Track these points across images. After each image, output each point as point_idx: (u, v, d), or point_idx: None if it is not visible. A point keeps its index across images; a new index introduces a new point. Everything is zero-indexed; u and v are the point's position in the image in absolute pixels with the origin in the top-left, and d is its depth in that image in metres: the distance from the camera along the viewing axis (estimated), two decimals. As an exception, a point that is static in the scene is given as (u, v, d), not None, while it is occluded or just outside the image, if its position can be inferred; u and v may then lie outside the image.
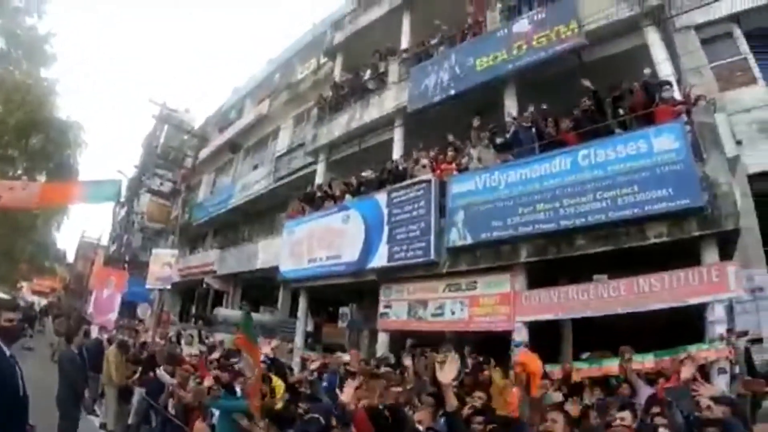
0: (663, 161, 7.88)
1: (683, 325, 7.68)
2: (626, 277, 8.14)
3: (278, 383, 6.41)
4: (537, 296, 9.09)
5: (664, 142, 7.96)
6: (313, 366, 8.41)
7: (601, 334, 8.37)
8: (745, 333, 7.75)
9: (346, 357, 9.50)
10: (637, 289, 8.00)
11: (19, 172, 23.83)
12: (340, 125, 15.36)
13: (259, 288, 18.52)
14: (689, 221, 7.72)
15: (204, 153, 26.83)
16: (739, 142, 9.52)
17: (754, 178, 9.83)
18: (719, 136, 8.19)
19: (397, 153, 13.14)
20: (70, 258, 49.20)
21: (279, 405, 5.60)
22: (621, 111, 9.08)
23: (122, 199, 30.44)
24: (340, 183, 13.77)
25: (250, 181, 21.72)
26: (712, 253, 7.75)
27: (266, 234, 20.13)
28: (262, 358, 7.37)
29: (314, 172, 16.44)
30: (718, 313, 7.40)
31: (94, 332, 13.70)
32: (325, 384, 8.03)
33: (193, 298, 25.91)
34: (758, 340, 7.61)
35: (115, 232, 36.80)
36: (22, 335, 17.60)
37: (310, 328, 14.29)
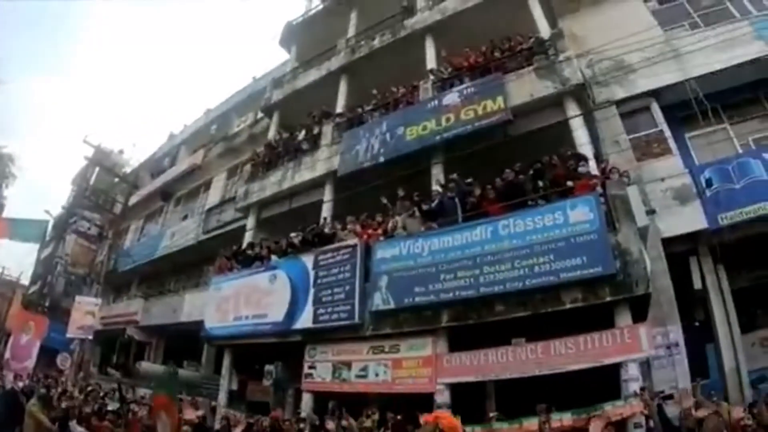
0: (578, 231, 8.45)
1: (601, 383, 8.00)
2: (543, 341, 8.51)
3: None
4: (458, 359, 9.29)
5: (579, 213, 8.56)
6: (238, 429, 8.27)
7: (523, 393, 8.59)
8: (659, 393, 8.23)
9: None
10: (554, 352, 8.37)
11: None
12: (271, 184, 15.41)
13: (184, 341, 17.97)
14: (602, 287, 8.21)
15: (135, 198, 26.14)
16: (652, 211, 10.22)
17: (668, 242, 10.57)
18: (631, 207, 8.73)
19: (326, 214, 13.27)
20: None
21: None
22: (540, 183, 9.62)
23: (47, 239, 29.19)
24: (270, 242, 13.76)
25: (180, 231, 21.28)
26: (625, 316, 8.22)
27: (193, 287, 19.73)
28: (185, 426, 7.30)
29: (243, 227, 16.28)
30: (631, 371, 7.83)
31: (8, 379, 12.93)
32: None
33: (114, 348, 24.79)
34: (669, 397, 8.05)
35: (36, 273, 34.85)
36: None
37: (234, 386, 13.95)
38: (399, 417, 8.57)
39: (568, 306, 8.35)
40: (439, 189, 10.90)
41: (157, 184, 25.71)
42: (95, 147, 25.91)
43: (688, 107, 11.22)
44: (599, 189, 8.87)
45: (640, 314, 8.40)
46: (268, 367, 13.21)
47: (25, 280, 34.93)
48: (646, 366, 9.69)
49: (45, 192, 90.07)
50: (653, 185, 10.80)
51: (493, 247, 9.10)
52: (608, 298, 8.17)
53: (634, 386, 7.59)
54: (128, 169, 31.78)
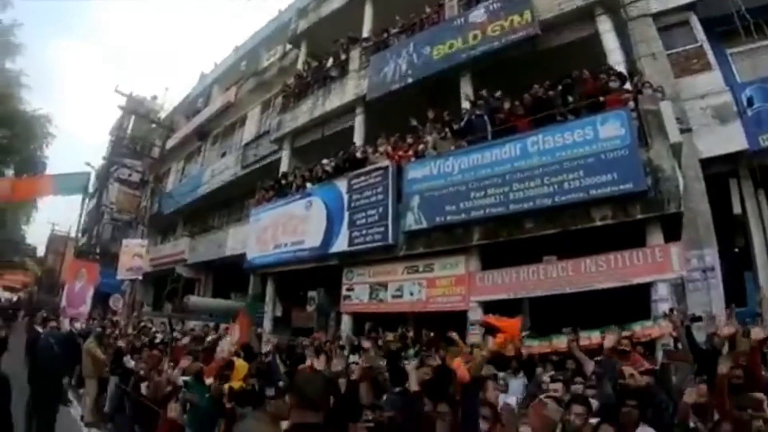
0: (608, 147, 8.23)
1: (632, 304, 8.01)
2: (574, 258, 8.52)
3: (241, 364, 6.70)
4: (490, 277, 9.44)
5: (609, 129, 8.31)
6: (270, 345, 8.68)
7: (555, 312, 8.71)
8: (688, 315, 8.22)
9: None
10: (584, 269, 8.38)
11: None
12: (303, 113, 15.50)
13: (230, 275, 18.62)
14: (633, 204, 8.08)
15: (172, 141, 26.87)
16: (688, 129, 9.93)
17: (707, 162, 10.29)
18: (664, 122, 8.45)
19: (358, 140, 13.36)
20: (41, 252, 48.62)
21: (235, 385, 5.92)
22: (570, 99, 9.34)
23: (91, 191, 30.31)
24: (304, 170, 14.00)
25: (218, 169, 21.66)
26: (656, 235, 8.11)
27: (235, 221, 20.17)
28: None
29: (280, 159, 16.56)
30: (661, 292, 7.77)
31: (65, 324, 13.74)
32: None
33: (165, 286, 26.04)
34: (697, 319, 8.05)
35: (85, 225, 36.51)
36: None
37: (278, 312, 14.54)
38: (432, 334, 8.82)
39: (598, 223, 8.30)
40: (468, 107, 10.80)
41: (193, 125, 26.03)
42: (127, 96, 26.47)
43: (730, 22, 10.55)
44: (631, 104, 8.58)
45: (672, 234, 8.25)
46: (311, 293, 13.70)
47: (75, 235, 36.45)
48: (680, 288, 9.67)
49: (84, 147, 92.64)
50: (692, 103, 10.42)
51: (522, 164, 9.03)
52: (639, 216, 8.07)
53: (664, 307, 7.51)
54: (163, 114, 32.30)
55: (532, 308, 9.52)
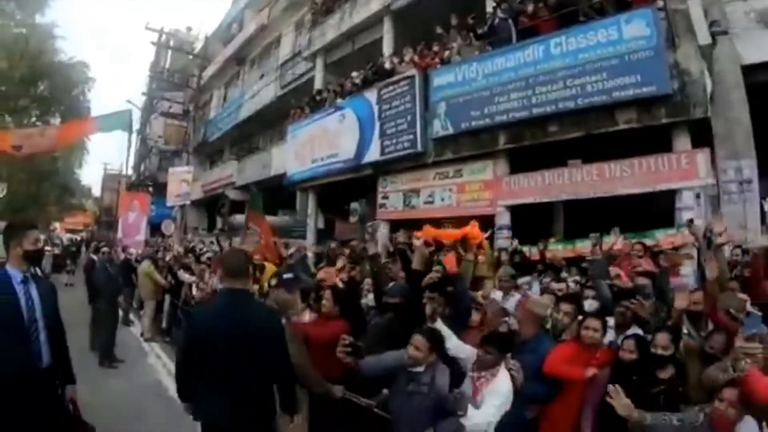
0: (633, 48, 8.05)
1: (660, 212, 8.20)
2: (598, 162, 8.66)
3: (270, 267, 7.37)
4: (517, 181, 9.78)
5: (634, 28, 8.10)
6: (292, 249, 9.32)
7: (585, 218, 8.89)
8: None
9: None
10: (609, 174, 8.55)
11: (33, 119, 24.88)
12: (331, 27, 15.67)
13: (278, 194, 19.42)
14: (658, 108, 8.02)
15: (211, 69, 27.42)
16: (724, 32, 9.54)
17: (750, 70, 10.10)
18: (693, 23, 8.19)
19: (387, 50, 13.45)
20: (97, 192, 50.84)
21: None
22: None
23: (136, 128, 31.47)
24: (335, 85, 14.33)
25: (258, 91, 22.11)
26: (683, 141, 8.10)
27: (278, 141, 20.66)
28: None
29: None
30: (686, 200, 7.87)
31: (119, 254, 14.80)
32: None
33: (223, 210, 27.21)
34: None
35: (134, 160, 37.99)
36: (65, 271, 19.17)
37: (321, 225, 15.31)
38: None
39: (622, 126, 8.31)
40: (495, 7, 10.76)
41: (229, 50, 26.30)
42: (158, 31, 26.91)
43: None
44: (659, 2, 8.23)
45: (701, 140, 8.14)
46: (353, 205, 14.31)
47: (127, 171, 37.94)
48: (716, 200, 9.85)
49: (125, 87, 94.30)
50: (734, 5, 9.62)
51: (545, 66, 9.01)
52: (664, 120, 8.02)
53: (688, 215, 7.42)
54: (199, 45, 32.61)
55: (562, 214, 9.90)
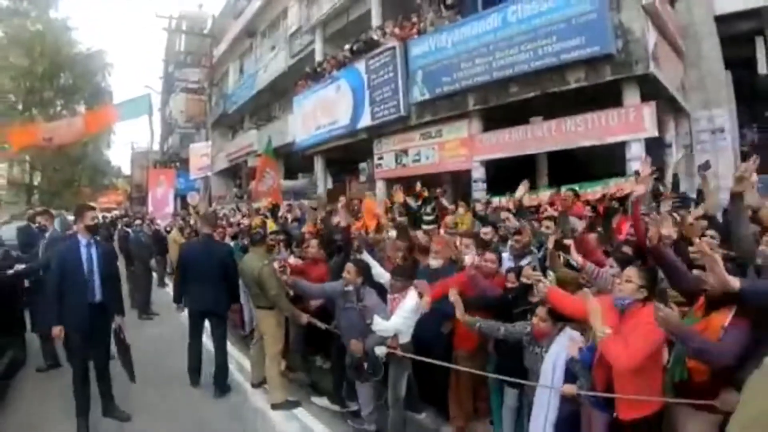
0: (578, 12, 9.00)
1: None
2: (557, 119, 9.92)
3: (271, 225, 9.08)
4: (488, 138, 11.22)
5: None
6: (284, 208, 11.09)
7: (558, 171, 10.41)
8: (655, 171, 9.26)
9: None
10: (565, 129, 9.79)
11: (59, 108, 27.13)
12: (327, 1, 17.05)
13: (296, 159, 20.98)
14: (603, 66, 8.99)
15: (224, 44, 28.90)
16: None
17: (728, 20, 10.87)
18: None
19: (376, 21, 14.78)
20: (127, 170, 53.40)
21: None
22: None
23: (157, 110, 33.39)
24: (330, 57, 15.87)
25: (270, 62, 23.46)
26: (632, 96, 9.10)
27: (291, 110, 22.32)
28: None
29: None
30: (635, 150, 8.82)
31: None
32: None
33: (241, 178, 29.13)
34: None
35: (159, 140, 40.22)
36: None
37: (329, 185, 17.07)
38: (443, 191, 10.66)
39: (573, 85, 9.36)
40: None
41: (239, 24, 27.59)
42: (168, 17, 28.61)
43: None
44: None
45: (650, 95, 9.08)
46: (362, 165, 15.99)
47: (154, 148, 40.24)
48: (689, 149, 10.97)
49: (143, 70, 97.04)
50: None
51: (503, 33, 10.16)
52: (609, 78, 8.96)
53: (637, 165, 7.76)
54: (210, 21, 34.12)
55: (533, 166, 11.27)
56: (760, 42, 11.28)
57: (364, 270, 4.80)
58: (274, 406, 5.37)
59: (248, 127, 27.58)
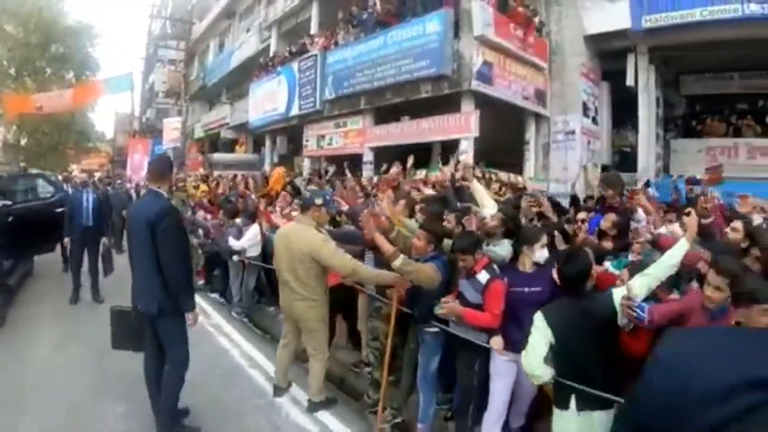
0: (428, 41, 12.92)
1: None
2: (418, 119, 14.25)
3: (200, 189, 13.94)
4: (375, 131, 15.72)
5: (433, 26, 12.87)
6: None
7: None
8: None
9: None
10: (422, 127, 14.10)
11: (48, 72, 32.10)
12: (281, 5, 21.84)
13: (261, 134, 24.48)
14: (443, 82, 12.93)
15: (206, 22, 33.14)
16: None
17: (601, 38, 14.20)
18: (473, 19, 12.33)
19: (314, 29, 19.38)
20: (110, 134, 58.10)
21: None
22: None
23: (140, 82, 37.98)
24: (275, 55, 20.67)
25: (243, 44, 27.44)
26: (468, 105, 12.92)
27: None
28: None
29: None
30: (463, 146, 12.72)
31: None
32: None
33: (216, 148, 32.01)
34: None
35: (139, 110, 45.44)
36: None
37: (276, 160, 21.70)
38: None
39: (424, 95, 13.44)
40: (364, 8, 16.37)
41: (220, 5, 31.61)
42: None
43: None
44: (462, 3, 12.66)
45: (488, 104, 12.90)
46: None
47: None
48: (546, 147, 14.47)
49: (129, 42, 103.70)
50: None
51: (382, 52, 14.25)
52: (446, 91, 12.90)
53: (462, 157, 11.49)
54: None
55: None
56: (630, 58, 14.09)
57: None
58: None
59: (224, 101, 31.09)
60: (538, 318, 3.43)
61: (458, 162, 9.77)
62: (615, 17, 13.63)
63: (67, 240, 9.06)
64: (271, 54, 22.13)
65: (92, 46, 34.92)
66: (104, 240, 9.18)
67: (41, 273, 10.49)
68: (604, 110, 16.02)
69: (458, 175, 6.91)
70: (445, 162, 11.52)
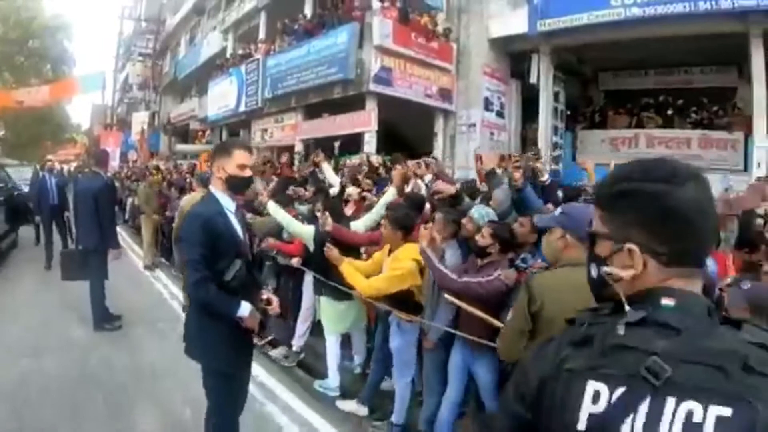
0: (339, 50, 15.64)
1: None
2: (335, 115, 17.32)
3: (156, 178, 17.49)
4: (304, 126, 18.92)
5: (342, 37, 15.57)
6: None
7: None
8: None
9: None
10: (336, 123, 17.28)
11: (26, 68, 35.61)
12: (235, 10, 25.35)
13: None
14: (349, 85, 15.70)
15: (178, 17, 36.15)
16: None
17: (509, 40, 16.80)
18: (372, 32, 15.16)
19: (261, 34, 22.56)
20: (86, 125, 60.69)
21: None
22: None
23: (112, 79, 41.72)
24: (228, 56, 24.14)
25: (210, 41, 29.84)
26: (371, 104, 15.76)
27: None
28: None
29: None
30: (367, 139, 15.58)
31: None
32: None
33: (187, 139, 34.94)
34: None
35: (113, 102, 48.79)
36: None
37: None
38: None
39: (336, 96, 16.37)
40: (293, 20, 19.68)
41: (191, 3, 34.11)
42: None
43: None
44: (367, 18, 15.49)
45: (389, 103, 15.74)
46: (241, 135, 24.01)
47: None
48: (452, 139, 17.21)
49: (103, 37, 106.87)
50: None
51: (305, 59, 17.23)
52: (351, 93, 15.74)
53: (367, 148, 14.89)
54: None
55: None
56: (534, 58, 16.24)
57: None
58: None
59: (194, 95, 33.80)
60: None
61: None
62: (516, 22, 15.98)
63: (38, 218, 12.23)
64: (228, 55, 25.44)
65: (69, 41, 38.53)
66: (67, 214, 11.46)
67: (23, 245, 13.46)
68: (513, 105, 18.97)
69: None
70: (343, 152, 15.53)
